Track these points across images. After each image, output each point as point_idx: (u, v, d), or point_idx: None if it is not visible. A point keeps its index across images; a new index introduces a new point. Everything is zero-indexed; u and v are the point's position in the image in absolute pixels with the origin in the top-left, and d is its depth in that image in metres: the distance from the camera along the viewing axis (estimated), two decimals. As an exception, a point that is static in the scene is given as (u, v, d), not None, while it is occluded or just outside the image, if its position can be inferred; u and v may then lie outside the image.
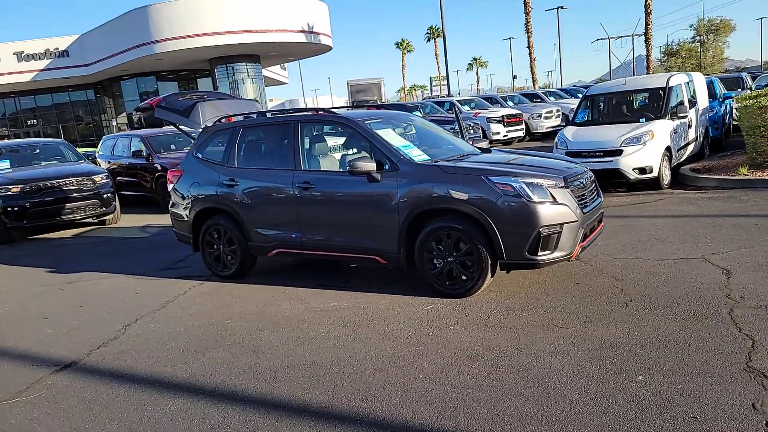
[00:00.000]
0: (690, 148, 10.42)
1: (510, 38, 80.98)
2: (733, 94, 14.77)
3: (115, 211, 11.27)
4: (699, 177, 9.33)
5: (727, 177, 8.95)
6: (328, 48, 46.88)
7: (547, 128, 20.47)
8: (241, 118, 6.44)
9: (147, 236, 9.84)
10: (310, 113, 6.15)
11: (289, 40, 40.29)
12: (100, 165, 13.92)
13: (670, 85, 9.81)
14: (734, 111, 13.72)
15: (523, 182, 4.63)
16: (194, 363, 4.18)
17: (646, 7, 31.65)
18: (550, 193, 4.65)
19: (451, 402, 3.23)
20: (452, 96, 30.58)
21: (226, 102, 7.26)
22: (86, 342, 4.85)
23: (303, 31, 40.84)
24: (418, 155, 5.34)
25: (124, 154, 13.83)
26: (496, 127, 18.75)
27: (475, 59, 76.81)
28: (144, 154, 12.90)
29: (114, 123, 49.51)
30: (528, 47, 32.71)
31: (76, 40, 44.09)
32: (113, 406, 3.64)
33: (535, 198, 4.58)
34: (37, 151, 12.21)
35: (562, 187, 4.75)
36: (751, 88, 17.71)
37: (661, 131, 9.10)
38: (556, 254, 4.67)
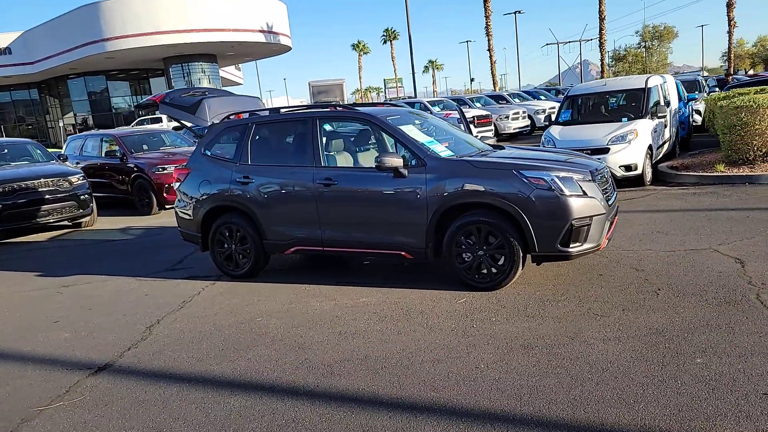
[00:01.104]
0: (665, 147, 10.88)
1: (467, 41, 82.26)
2: (696, 96, 15.53)
3: (92, 213, 10.86)
4: (678, 174, 9.76)
5: (705, 174, 9.40)
6: (288, 48, 46.49)
7: (514, 129, 20.91)
8: (250, 115, 6.35)
9: (132, 238, 9.53)
10: (328, 109, 6.12)
11: (247, 40, 39.76)
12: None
13: (648, 86, 10.23)
14: (694, 112, 14.44)
15: (555, 176, 4.76)
16: (240, 361, 4.10)
17: (600, 12, 32.82)
18: (580, 187, 4.79)
19: (524, 389, 3.30)
20: (422, 97, 30.80)
21: (231, 99, 7.13)
22: (112, 344, 4.68)
23: (262, 31, 40.37)
24: (442, 151, 5.40)
25: (94, 154, 13.35)
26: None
27: (431, 62, 77.55)
28: (118, 154, 12.48)
29: (60, 124, 47.56)
30: (488, 50, 33.34)
31: (20, 36, 42.20)
32: (171, 405, 3.54)
33: (566, 191, 4.71)
34: (5, 151, 11.62)
35: (589, 180, 4.90)
36: (709, 90, 18.65)
37: (644, 130, 9.48)
38: (586, 246, 4.81)
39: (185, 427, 3.27)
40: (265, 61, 54.27)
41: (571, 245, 4.75)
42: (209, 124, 6.55)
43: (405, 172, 5.17)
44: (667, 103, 10.95)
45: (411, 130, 5.56)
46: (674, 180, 9.71)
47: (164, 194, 11.64)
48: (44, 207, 9.93)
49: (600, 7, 32.50)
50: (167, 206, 12.05)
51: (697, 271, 4.99)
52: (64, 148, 14.97)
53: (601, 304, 4.47)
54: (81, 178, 10.65)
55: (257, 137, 6.12)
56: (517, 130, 20.89)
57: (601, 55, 35.01)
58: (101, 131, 15.15)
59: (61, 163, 11.47)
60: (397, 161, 5.13)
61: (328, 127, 5.89)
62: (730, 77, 18.86)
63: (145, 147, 13.06)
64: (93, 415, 3.51)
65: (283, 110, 6.31)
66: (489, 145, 6.38)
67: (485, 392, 3.31)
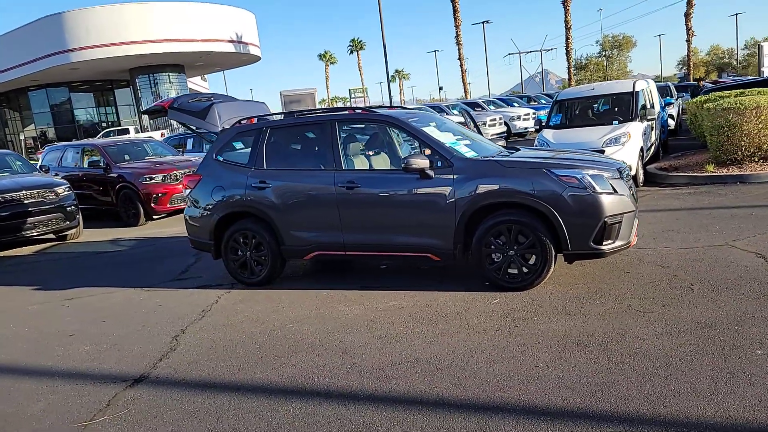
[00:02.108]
0: (652, 149, 11.14)
1: (435, 51, 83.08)
2: (672, 101, 15.99)
3: (78, 225, 10.48)
4: (669, 175, 10.00)
5: (696, 174, 9.65)
6: (257, 58, 46.12)
7: (491, 135, 21.12)
8: (259, 119, 6.23)
9: (124, 250, 9.24)
10: (347, 112, 6.05)
11: (216, 50, 39.29)
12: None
13: (636, 90, 10.47)
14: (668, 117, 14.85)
15: (587, 174, 4.79)
16: (284, 367, 3.98)
17: (566, 22, 33.65)
18: (611, 184, 4.83)
19: (594, 386, 3.27)
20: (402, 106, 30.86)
21: (237, 104, 6.99)
22: (140, 356, 4.49)
23: (232, 41, 39.99)
24: (466, 151, 5.39)
25: (74, 165, 12.92)
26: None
27: (397, 71, 78.11)
28: (101, 164, 12.11)
29: (21, 137, 46.02)
30: (459, 59, 33.76)
31: (-23, 47, 40.75)
32: (226, 414, 3.40)
33: (599, 189, 4.75)
34: (-17, 162, 11.14)
35: (618, 178, 4.95)
36: (680, 96, 19.25)
37: (635, 132, 9.68)
38: (618, 243, 4.85)
39: (249, 437, 3.14)
40: (231, 71, 53.63)
41: (604, 243, 4.78)
42: (219, 129, 6.40)
43: (432, 173, 5.13)
44: (652, 107, 11.23)
45: (434, 132, 5.54)
46: (665, 181, 9.94)
47: (152, 204, 11.35)
48: (30, 219, 9.54)
49: (566, 17, 33.33)
50: (155, 217, 11.79)
51: (723, 267, 5.08)
52: (40, 159, 14.45)
53: (640, 301, 4.50)
54: (67, 189, 10.28)
55: (272, 141, 6.00)
56: (495, 137, 21.10)
57: (568, 63, 35.84)
58: (81, 141, 14.72)
59: (44, 174, 11.07)
60: (423, 163, 5.09)
61: (348, 131, 5.81)
62: (702, 83, 19.49)
63: (127, 157, 12.70)
64: (145, 429, 3.34)
65: (297, 114, 6.21)
66: (503, 147, 6.41)
67: (554, 391, 3.27)
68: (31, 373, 4.42)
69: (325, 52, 71.34)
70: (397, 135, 5.98)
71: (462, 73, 33.53)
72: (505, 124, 21.90)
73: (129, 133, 35.23)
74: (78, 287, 6.89)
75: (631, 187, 5.20)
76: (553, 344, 3.89)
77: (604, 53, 61.23)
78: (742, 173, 9.22)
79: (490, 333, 4.20)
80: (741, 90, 11.52)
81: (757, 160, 9.61)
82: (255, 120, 6.29)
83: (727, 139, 9.58)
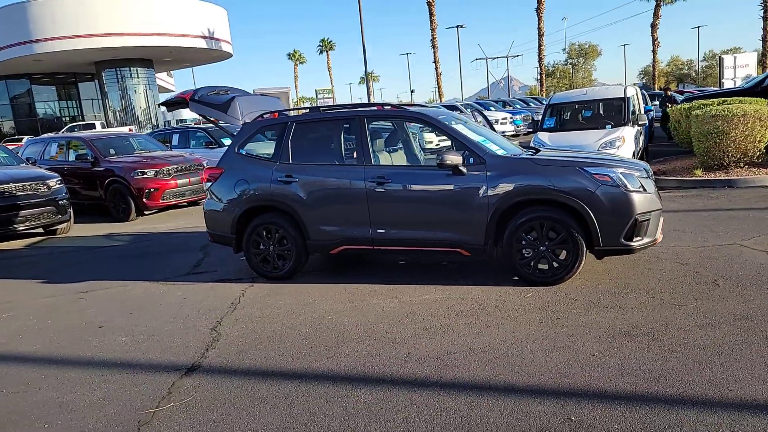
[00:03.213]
0: (640, 154, 11.54)
1: (407, 53, 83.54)
2: (651, 108, 16.56)
3: (70, 219, 10.21)
4: (658, 179, 10.36)
5: (685, 178, 10.06)
6: (229, 55, 45.48)
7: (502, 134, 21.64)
8: (280, 114, 6.24)
9: (122, 245, 9.06)
10: (375, 108, 6.11)
11: (187, 45, 38.60)
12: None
13: (627, 95, 10.85)
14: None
15: (620, 173, 4.98)
16: (339, 357, 4.02)
17: (539, 29, 34.42)
18: (641, 183, 5.04)
19: (654, 372, 3.43)
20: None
21: (256, 98, 6.97)
22: (183, 346, 4.46)
23: (203, 37, 39.39)
24: (497, 149, 5.52)
25: (59, 159, 12.58)
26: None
27: (367, 73, 78.06)
28: (89, 158, 11.82)
29: (-17, 130, 44.27)
30: (434, 62, 34.14)
31: (-65, 37, 39.02)
32: (297, 400, 3.43)
33: (630, 187, 4.94)
34: (-33, 154, 10.73)
35: (646, 177, 5.17)
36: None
37: (629, 136, 10.03)
38: (646, 240, 5.06)
39: (332, 420, 3.18)
40: (198, 68, 52.82)
41: (634, 239, 4.97)
42: (241, 122, 6.37)
43: (464, 170, 5.25)
44: (640, 113, 11.64)
45: (463, 129, 5.65)
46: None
47: (144, 200, 11.16)
48: (22, 213, 9.27)
49: (539, 23, 34.07)
50: (146, 212, 11.57)
51: (740, 264, 5.35)
52: (21, 152, 13.97)
53: (671, 295, 4.70)
54: (58, 182, 10.02)
55: (298, 136, 6.01)
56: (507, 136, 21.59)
57: (540, 69, 36.69)
58: (66, 134, 14.32)
59: (33, 167, 10.74)
60: (457, 159, 5.20)
61: (377, 126, 5.88)
62: (669, 92, 20.24)
63: (112, 151, 12.43)
64: (219, 414, 3.34)
65: (322, 109, 6.24)
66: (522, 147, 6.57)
67: (619, 377, 3.41)
68: (74, 363, 4.33)
69: (295, 52, 70.92)
70: (413, 132, 6.07)
71: (437, 75, 33.94)
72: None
73: (95, 128, 34.34)
74: (88, 280, 6.74)
75: (656, 185, 5.42)
76: (600, 334, 4.04)
77: (570, 61, 62.76)
78: (729, 178, 9.66)
79: (534, 324, 4.33)
80: (723, 99, 12.04)
81: (742, 165, 10.08)
82: (277, 114, 6.29)
83: (715, 144, 10.01)
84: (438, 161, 5.23)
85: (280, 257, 6.03)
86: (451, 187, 5.32)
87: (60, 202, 9.83)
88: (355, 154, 5.77)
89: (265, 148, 6.36)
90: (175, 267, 7.08)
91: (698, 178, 9.88)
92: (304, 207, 5.80)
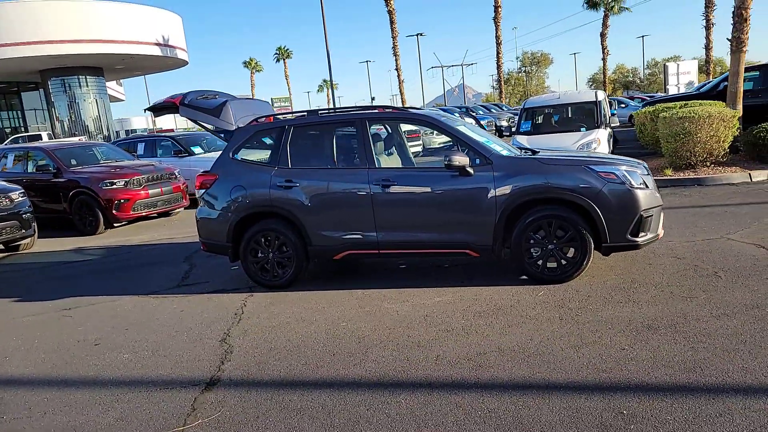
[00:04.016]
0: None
1: (367, 61, 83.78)
2: (615, 112, 17.10)
3: (34, 234, 9.70)
4: (631, 179, 10.69)
5: (657, 177, 10.32)
6: (184, 62, 44.44)
7: (438, 144, 21.72)
8: (275, 118, 6.12)
9: (96, 258, 8.67)
10: (377, 110, 6.04)
11: (141, 53, 37.51)
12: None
13: (598, 99, 11.16)
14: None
15: (625, 170, 5.08)
16: (366, 363, 3.92)
17: (497, 38, 35.20)
18: (643, 180, 5.15)
19: (688, 363, 3.47)
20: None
21: (246, 102, 6.80)
22: (194, 360, 4.26)
23: (158, 44, 38.39)
24: (501, 149, 5.55)
25: (17, 170, 11.95)
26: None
27: (325, 81, 77.99)
28: (51, 168, 11.29)
29: None
30: (396, 69, 34.36)
31: None
32: (336, 409, 3.32)
33: (635, 184, 5.05)
34: None
35: (647, 174, 5.29)
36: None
37: (603, 138, 10.31)
38: (650, 235, 5.16)
39: (379, 428, 3.08)
40: (151, 77, 51.54)
41: (639, 235, 5.07)
42: (234, 127, 6.19)
43: (471, 170, 5.24)
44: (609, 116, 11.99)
45: (467, 131, 5.66)
46: (629, 184, 10.61)
47: (114, 211, 10.72)
48: (-16, 228, 8.72)
49: (497, 32, 34.82)
50: (116, 224, 11.12)
51: (734, 257, 5.52)
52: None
53: (679, 288, 4.81)
54: (21, 195, 9.52)
55: (297, 140, 5.88)
56: (441, 145, 21.69)
57: (499, 76, 37.46)
58: (25, 144, 13.61)
59: (-8, 179, 10.16)
60: (465, 160, 5.20)
61: (377, 129, 5.81)
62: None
63: (74, 161, 11.89)
64: (254, 428, 3.19)
65: (321, 112, 6.13)
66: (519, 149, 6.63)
67: (655, 369, 3.44)
68: (76, 383, 4.08)
69: (251, 60, 70.05)
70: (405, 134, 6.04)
71: (399, 83, 34.12)
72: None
73: (41, 139, 32.91)
74: (69, 297, 6.40)
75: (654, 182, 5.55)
76: (623, 329, 4.09)
77: (524, 69, 64.35)
78: (698, 176, 10.03)
79: (556, 322, 4.34)
80: (684, 102, 12.53)
81: (708, 164, 10.49)
82: (272, 119, 6.15)
83: (683, 145, 10.40)
84: (446, 162, 5.20)
85: (279, 265, 5.87)
86: (458, 188, 5.30)
87: (23, 215, 9.34)
88: (357, 157, 5.69)
89: (260, 153, 6.20)
90: (161, 280, 6.81)
91: (669, 178, 10.23)
92: (305, 212, 5.67)
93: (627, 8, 39.89)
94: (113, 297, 6.24)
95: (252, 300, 5.65)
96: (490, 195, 5.21)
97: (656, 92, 32.60)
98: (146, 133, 24.99)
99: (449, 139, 5.86)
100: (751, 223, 6.79)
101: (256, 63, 71.85)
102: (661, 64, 60.40)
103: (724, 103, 11.61)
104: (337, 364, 3.97)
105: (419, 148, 20.38)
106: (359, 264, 6.63)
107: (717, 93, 13.55)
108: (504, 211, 5.18)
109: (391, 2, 32.19)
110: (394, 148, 6.44)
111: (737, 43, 11.16)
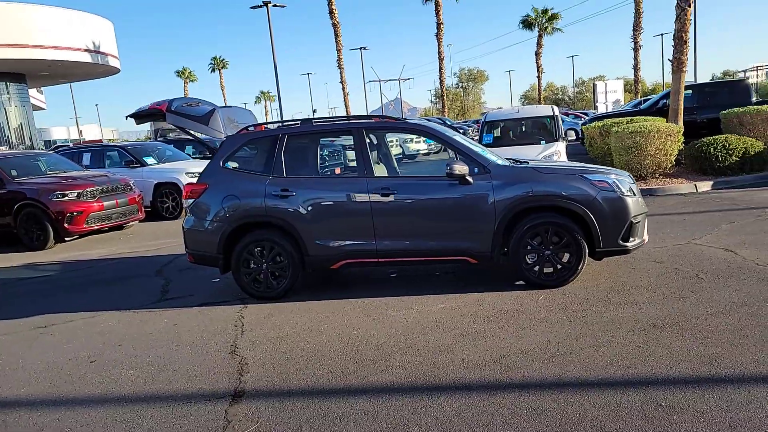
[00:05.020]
0: (564, 167, 12.41)
1: (308, 74, 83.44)
2: (575, 125, 17.86)
3: (-20, 249, 9.04)
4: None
5: (611, 188, 10.96)
6: (116, 70, 42.43)
7: (414, 151, 22.15)
8: (265, 127, 6.05)
9: (55, 274, 8.20)
10: (373, 120, 6.07)
11: (69, 59, 35.64)
12: None
13: (555, 113, 11.67)
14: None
15: (615, 179, 5.36)
16: (393, 368, 3.93)
17: (439, 54, 36.11)
18: (630, 187, 5.45)
19: (704, 357, 3.69)
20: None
21: (231, 110, 6.67)
22: (209, 373, 4.13)
23: (88, 50, 36.61)
24: (496, 158, 5.72)
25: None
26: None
27: (262, 93, 77.22)
28: (-11, 180, 10.56)
29: None
30: (341, 82, 34.49)
31: None
32: (380, 415, 3.31)
33: (625, 192, 5.33)
34: None
35: (633, 182, 5.60)
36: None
37: (563, 151, 10.77)
38: (637, 240, 5.46)
39: (432, 429, 3.10)
40: (78, 84, 49.22)
41: (629, 240, 5.35)
42: (223, 135, 6.06)
43: (471, 179, 5.38)
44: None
45: (463, 140, 5.79)
46: (585, 195, 11.13)
47: (65, 225, 10.16)
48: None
49: (439, 48, 35.72)
50: (67, 239, 10.53)
51: (707, 260, 5.91)
52: None
53: (669, 290, 5.10)
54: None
55: (291, 148, 5.84)
56: (415, 152, 22.13)
57: (442, 90, 38.36)
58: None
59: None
60: (464, 169, 5.32)
61: (377, 138, 5.85)
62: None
63: (14, 173, 11.18)
64: (305, 439, 3.13)
65: (315, 121, 6.10)
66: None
67: (677, 364, 3.64)
68: (85, 401, 3.85)
69: (184, 69, 68.16)
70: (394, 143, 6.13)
71: (344, 95, 34.23)
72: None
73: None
74: (40, 315, 6.02)
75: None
76: (632, 328, 4.29)
77: (461, 85, 66.18)
78: (649, 187, 10.66)
79: (565, 324, 4.51)
80: (630, 118, 13.31)
81: (657, 176, 11.18)
82: (264, 127, 6.07)
83: (634, 158, 11.04)
84: (447, 171, 5.30)
85: (273, 276, 5.77)
86: (459, 196, 5.41)
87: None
88: (355, 166, 5.70)
89: (251, 162, 6.08)
90: (139, 294, 6.52)
91: (623, 188, 10.80)
92: (302, 221, 5.62)
93: (559, 29, 41.99)
94: (91, 313, 5.92)
95: (248, 312, 5.51)
96: (489, 203, 5.35)
97: (590, 110, 34.27)
98: (71, 144, 23.68)
99: (428, 147, 5.99)
100: (711, 229, 7.29)
101: (190, 72, 70.05)
102: (589, 83, 63.83)
103: (664, 119, 12.44)
104: (363, 370, 3.96)
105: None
106: (348, 274, 6.61)
107: (656, 110, 14.50)
108: (503, 218, 5.33)
109: (336, 15, 32.38)
110: (380, 158, 6.49)
111: (678, 64, 12.00)
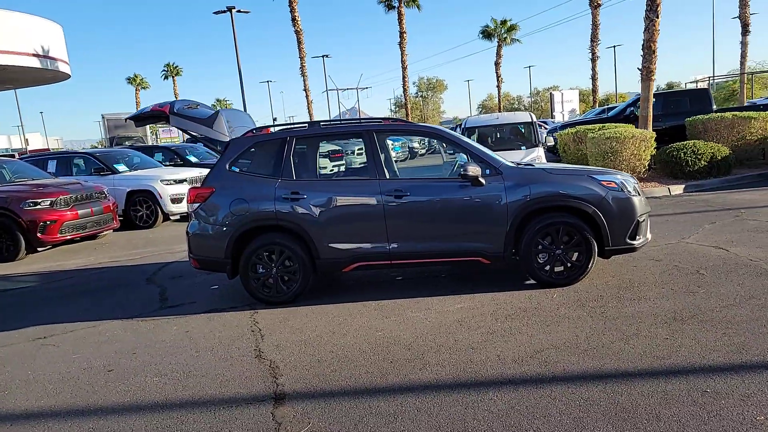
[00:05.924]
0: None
1: (268, 81, 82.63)
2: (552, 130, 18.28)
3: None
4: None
5: (589, 192, 11.30)
6: (66, 76, 40.81)
7: (359, 164, 21.96)
8: (285, 129, 5.99)
9: (36, 285, 7.87)
10: (381, 122, 6.07)
11: (14, 63, 34.11)
12: None
13: (533, 120, 11.97)
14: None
15: (622, 179, 5.53)
16: (431, 366, 3.95)
17: (403, 62, 36.48)
18: (635, 187, 5.65)
19: (733, 347, 3.84)
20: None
21: (230, 112, 6.55)
22: (242, 377, 4.04)
23: (36, 55, 35.16)
24: (507, 161, 5.82)
25: None
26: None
27: (218, 100, 75.91)
28: (-46, 188, 10.04)
29: None
30: (304, 90, 34.32)
31: None
32: (435, 411, 3.30)
33: (632, 191, 5.52)
34: None
35: (636, 182, 5.80)
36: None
37: (543, 156, 11.05)
38: (643, 239, 5.64)
39: (493, 424, 3.11)
40: (24, 91, 47.40)
41: (636, 238, 5.54)
42: (227, 138, 5.96)
43: (483, 180, 5.46)
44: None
45: (474, 143, 5.87)
46: (564, 199, 11.44)
47: (38, 234, 9.75)
48: None
49: (402, 57, 36.09)
50: (40, 249, 10.10)
51: (702, 257, 6.16)
52: None
53: (676, 285, 5.29)
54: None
55: (300, 151, 5.80)
56: (363, 165, 21.96)
57: (405, 99, 38.73)
58: None
59: None
60: (478, 170, 5.40)
61: (387, 140, 5.86)
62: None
63: (-22, 181, 10.68)
64: (366, 438, 3.10)
65: (322, 124, 6.06)
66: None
67: (707, 353, 3.78)
68: (119, 410, 3.71)
69: (135, 76, 66.39)
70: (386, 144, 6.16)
71: (308, 103, 34.09)
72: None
73: None
74: (36, 326, 5.77)
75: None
76: (654, 322, 4.44)
77: (420, 94, 66.94)
78: (625, 191, 11.03)
79: (587, 320, 4.61)
80: (602, 125, 13.76)
81: (632, 180, 11.57)
82: (270, 130, 6.00)
83: (610, 163, 11.41)
84: (461, 173, 5.37)
85: (282, 280, 5.69)
86: (471, 197, 5.47)
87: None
88: (366, 168, 5.69)
89: (257, 165, 5.98)
90: (136, 303, 6.32)
91: (600, 192, 11.14)
92: (313, 224, 5.57)
93: (518, 40, 43.06)
94: (92, 323, 5.70)
95: (260, 317, 5.42)
96: (501, 204, 5.44)
97: (549, 119, 35.25)
98: (17, 155, 22.69)
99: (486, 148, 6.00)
100: (696, 229, 7.61)
101: (142, 79, 68.34)
102: (543, 93, 65.65)
103: (633, 126, 12.91)
104: (400, 369, 3.95)
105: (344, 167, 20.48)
106: (351, 277, 6.58)
107: (624, 117, 15.04)
108: (515, 219, 5.43)
109: (299, 22, 32.27)
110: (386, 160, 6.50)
111: (647, 72, 12.50)
